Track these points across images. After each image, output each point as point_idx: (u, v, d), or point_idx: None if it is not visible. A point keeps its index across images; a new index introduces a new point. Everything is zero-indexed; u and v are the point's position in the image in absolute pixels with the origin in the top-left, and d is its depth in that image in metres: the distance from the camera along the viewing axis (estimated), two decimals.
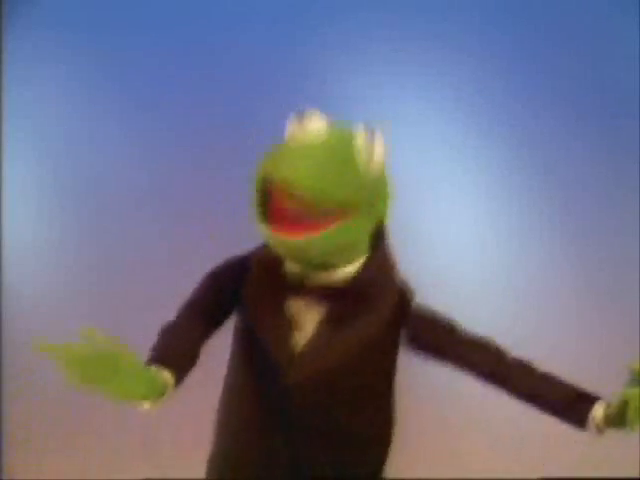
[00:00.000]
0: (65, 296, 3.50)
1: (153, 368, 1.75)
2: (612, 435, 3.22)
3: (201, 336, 1.93)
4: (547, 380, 1.97)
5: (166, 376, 1.77)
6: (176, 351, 1.86)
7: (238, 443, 1.96)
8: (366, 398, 1.92)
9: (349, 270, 1.88)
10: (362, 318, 1.89)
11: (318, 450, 1.89)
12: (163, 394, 1.76)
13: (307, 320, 1.88)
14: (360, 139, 1.86)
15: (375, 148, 1.89)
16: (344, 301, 1.88)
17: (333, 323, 1.87)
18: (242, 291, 1.92)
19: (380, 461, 2.01)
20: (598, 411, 1.87)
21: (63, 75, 3.57)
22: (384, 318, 1.91)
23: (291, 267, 1.89)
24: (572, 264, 3.46)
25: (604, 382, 3.38)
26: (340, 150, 1.83)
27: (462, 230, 3.48)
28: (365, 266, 1.90)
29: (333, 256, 1.84)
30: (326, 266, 1.86)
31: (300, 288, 1.88)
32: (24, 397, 3.42)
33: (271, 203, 1.80)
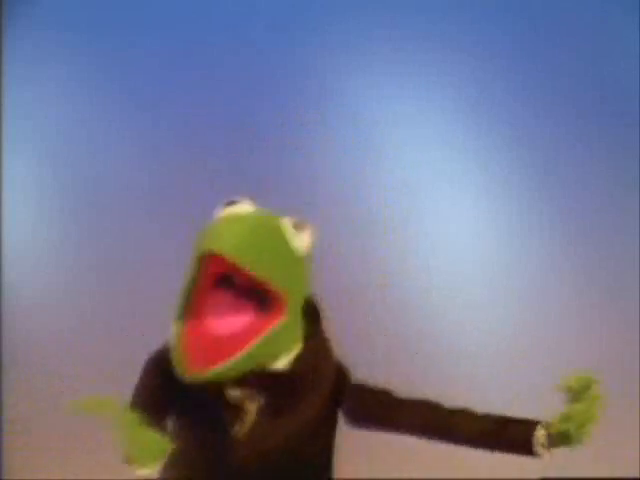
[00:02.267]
0: (65, 296, 3.50)
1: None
2: (612, 435, 3.22)
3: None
4: (488, 420, 1.97)
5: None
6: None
7: None
8: (307, 473, 1.95)
9: (288, 358, 1.90)
10: (302, 403, 1.91)
11: None
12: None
13: (249, 408, 1.90)
14: (287, 224, 1.89)
15: (302, 235, 1.90)
16: (283, 388, 1.89)
17: (273, 410, 1.89)
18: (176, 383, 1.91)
19: None
20: (540, 432, 1.90)
21: (63, 75, 3.57)
22: (323, 399, 1.94)
23: None
24: (572, 264, 3.46)
25: (604, 382, 3.38)
26: (267, 222, 1.87)
27: (462, 230, 3.48)
28: (302, 354, 1.92)
29: (267, 361, 1.86)
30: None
31: (233, 380, 1.87)
32: (24, 397, 3.42)
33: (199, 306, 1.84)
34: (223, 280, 1.82)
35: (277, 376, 1.89)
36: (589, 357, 3.37)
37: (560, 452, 3.25)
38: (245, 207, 1.90)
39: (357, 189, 3.45)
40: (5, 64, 3.44)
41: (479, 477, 3.01)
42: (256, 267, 1.79)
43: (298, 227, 1.89)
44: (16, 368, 3.45)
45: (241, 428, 1.89)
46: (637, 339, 3.33)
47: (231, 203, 1.92)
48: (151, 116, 3.54)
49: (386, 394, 1.99)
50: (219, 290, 1.82)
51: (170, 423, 1.96)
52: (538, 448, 1.91)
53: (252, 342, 1.81)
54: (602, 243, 3.46)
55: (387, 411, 1.97)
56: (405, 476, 2.97)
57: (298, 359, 1.91)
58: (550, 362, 3.38)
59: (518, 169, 3.52)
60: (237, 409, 1.89)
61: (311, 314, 1.96)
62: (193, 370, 1.80)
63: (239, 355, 1.80)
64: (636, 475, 3.06)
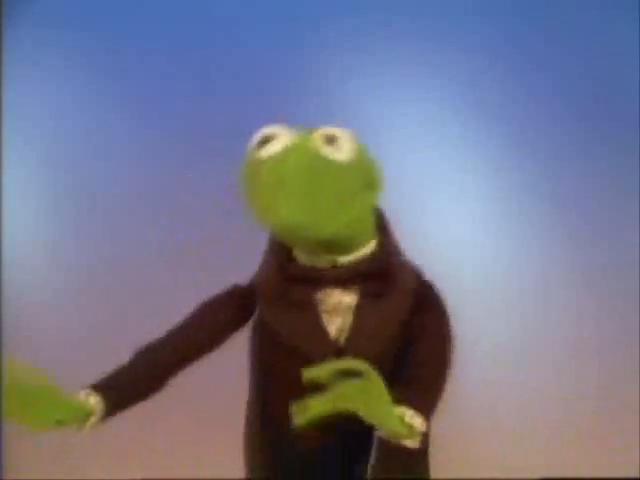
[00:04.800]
0: (65, 296, 3.50)
1: (79, 393, 1.77)
2: (612, 435, 3.22)
3: (172, 364, 1.91)
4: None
5: (92, 402, 1.76)
6: (123, 379, 1.86)
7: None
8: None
9: (364, 252, 1.86)
10: (394, 295, 1.85)
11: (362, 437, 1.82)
12: (85, 420, 1.76)
13: (342, 309, 1.85)
14: (318, 143, 1.79)
15: (339, 146, 1.80)
16: (374, 281, 1.84)
17: (369, 306, 1.83)
18: (258, 311, 1.90)
19: None
20: None
21: (63, 75, 3.57)
22: (408, 298, 1.88)
23: (303, 259, 1.86)
24: (572, 264, 3.46)
25: (604, 382, 3.39)
26: (314, 168, 1.75)
27: (462, 230, 3.48)
28: (381, 246, 1.88)
29: (346, 231, 1.80)
30: (339, 246, 1.83)
31: (325, 278, 1.84)
32: None
33: None
34: None
35: (369, 260, 1.84)
36: (589, 357, 3.38)
37: (560, 452, 3.26)
38: (278, 144, 1.80)
39: None
40: (5, 64, 3.44)
41: (479, 477, 3.01)
42: (330, 226, 1.75)
43: (330, 141, 1.80)
44: None
45: (334, 333, 1.84)
46: (637, 339, 3.34)
47: (265, 141, 1.84)
48: (151, 117, 3.54)
49: (425, 367, 1.85)
50: None
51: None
52: None
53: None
54: (603, 243, 3.46)
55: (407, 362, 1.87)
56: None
57: (381, 246, 1.87)
58: (550, 361, 3.39)
59: (518, 169, 3.52)
60: (326, 314, 1.84)
61: (379, 218, 1.93)
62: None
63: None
64: (636, 475, 3.06)
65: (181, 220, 3.47)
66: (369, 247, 1.88)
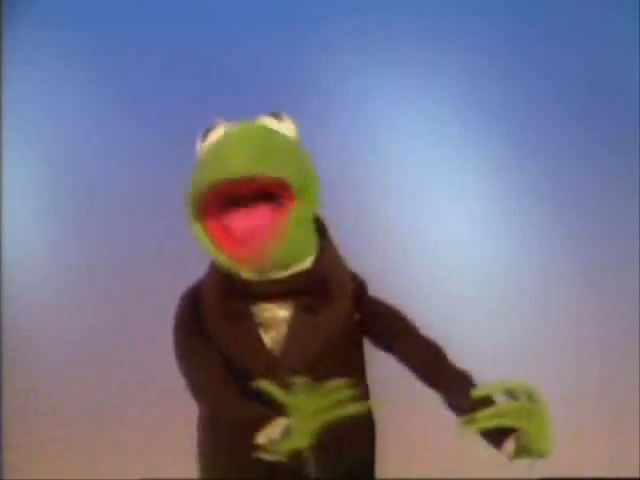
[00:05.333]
0: (65, 296, 3.50)
1: None
2: (612, 435, 3.22)
3: None
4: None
5: None
6: None
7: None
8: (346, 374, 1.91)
9: (305, 266, 1.91)
10: (333, 304, 1.92)
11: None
12: None
13: (276, 322, 1.90)
14: (268, 120, 1.93)
15: (285, 123, 1.93)
16: (308, 296, 1.90)
17: (307, 315, 1.89)
18: (204, 323, 1.95)
19: (369, 443, 2.03)
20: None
21: (63, 75, 3.57)
22: (346, 307, 1.95)
23: (247, 275, 1.91)
24: (572, 264, 3.46)
25: (604, 382, 3.39)
26: (257, 127, 1.90)
27: (462, 230, 3.48)
28: (319, 260, 1.94)
29: (294, 253, 1.87)
30: (284, 265, 1.88)
31: (261, 292, 1.90)
32: (24, 397, 3.42)
33: (217, 223, 1.89)
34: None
35: (304, 276, 1.90)
36: (589, 357, 3.37)
37: (560, 452, 3.25)
38: (226, 125, 1.94)
39: (358, 189, 3.45)
40: (5, 64, 3.44)
41: (479, 477, 3.01)
42: (276, 169, 1.82)
43: (278, 118, 1.93)
44: (16, 368, 3.45)
45: (272, 345, 1.90)
46: (637, 339, 3.33)
47: (211, 128, 1.99)
48: (152, 117, 3.54)
49: (397, 319, 2.00)
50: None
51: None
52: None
53: (288, 222, 1.83)
54: (602, 243, 3.45)
55: (389, 337, 1.98)
56: (404, 475, 2.97)
57: (318, 261, 1.93)
58: (549, 362, 3.38)
59: (518, 169, 3.52)
60: (265, 326, 1.90)
61: (319, 229, 1.99)
62: (251, 263, 1.80)
63: (283, 235, 1.81)
64: (636, 475, 3.06)
65: (181, 220, 3.46)
66: (306, 263, 1.93)
